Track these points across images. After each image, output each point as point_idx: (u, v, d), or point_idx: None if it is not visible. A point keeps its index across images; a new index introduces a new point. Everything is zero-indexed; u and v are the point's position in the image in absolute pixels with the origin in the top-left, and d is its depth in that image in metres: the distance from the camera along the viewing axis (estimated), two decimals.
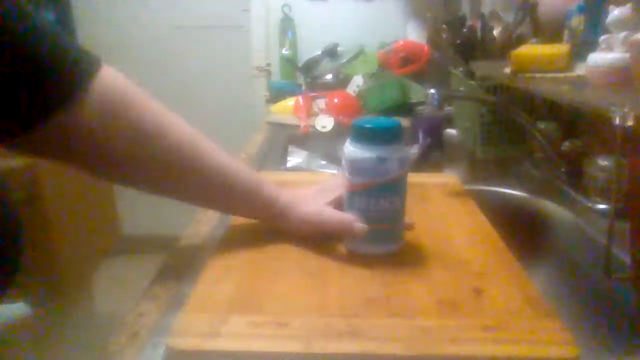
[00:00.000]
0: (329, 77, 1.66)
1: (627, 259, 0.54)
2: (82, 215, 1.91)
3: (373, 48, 1.74)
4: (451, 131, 1.18)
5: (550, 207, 0.77)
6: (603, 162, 0.69)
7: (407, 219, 0.56)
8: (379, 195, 0.52)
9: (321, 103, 1.42)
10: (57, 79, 0.43)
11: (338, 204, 0.57)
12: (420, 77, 1.50)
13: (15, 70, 0.40)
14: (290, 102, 1.44)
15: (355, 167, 0.52)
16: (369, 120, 0.53)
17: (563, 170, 0.80)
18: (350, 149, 0.52)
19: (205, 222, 0.70)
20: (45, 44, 0.42)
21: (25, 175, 1.56)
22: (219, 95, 2.45)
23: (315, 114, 1.35)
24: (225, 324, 0.42)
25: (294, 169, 0.96)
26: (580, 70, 0.73)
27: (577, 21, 0.80)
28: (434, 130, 1.01)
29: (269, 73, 2.10)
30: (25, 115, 0.42)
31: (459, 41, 1.18)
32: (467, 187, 0.78)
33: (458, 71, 1.14)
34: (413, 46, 1.57)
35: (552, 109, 0.92)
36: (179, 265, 0.58)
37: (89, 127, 0.45)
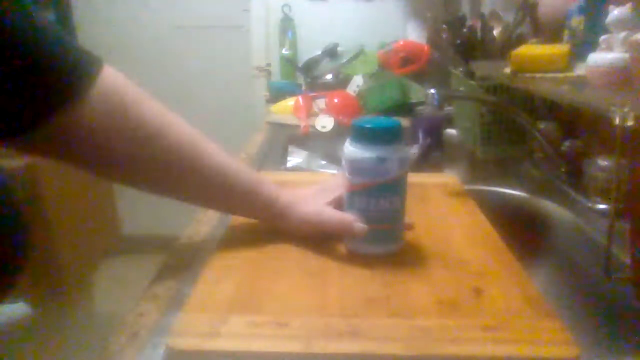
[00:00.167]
0: (329, 77, 1.66)
1: (627, 259, 0.54)
2: (82, 215, 1.91)
3: (373, 48, 1.74)
4: (451, 131, 1.18)
5: (550, 207, 0.77)
6: (603, 162, 0.69)
7: (407, 219, 0.56)
8: (379, 195, 0.52)
9: (321, 103, 1.42)
10: (60, 79, 0.43)
11: (338, 204, 0.57)
12: (420, 77, 1.50)
13: (18, 71, 0.40)
14: (290, 102, 1.44)
15: (355, 167, 0.52)
16: (369, 120, 0.53)
17: (563, 170, 0.80)
18: (350, 149, 0.52)
19: (205, 222, 0.70)
20: (48, 44, 0.42)
21: (25, 175, 1.56)
22: (219, 95, 2.45)
23: (315, 114, 1.35)
24: (225, 324, 0.42)
25: (294, 169, 0.96)
26: (580, 70, 0.73)
27: (577, 21, 0.80)
28: (434, 130, 1.01)
29: (269, 73, 2.10)
30: (28, 115, 0.42)
31: (459, 41, 1.18)
32: (467, 187, 0.78)
33: (458, 71, 1.14)
34: (413, 46, 1.57)
35: (552, 109, 0.92)
36: (179, 265, 0.58)
37: (90, 126, 0.45)
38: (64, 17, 2.24)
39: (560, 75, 0.75)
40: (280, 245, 0.57)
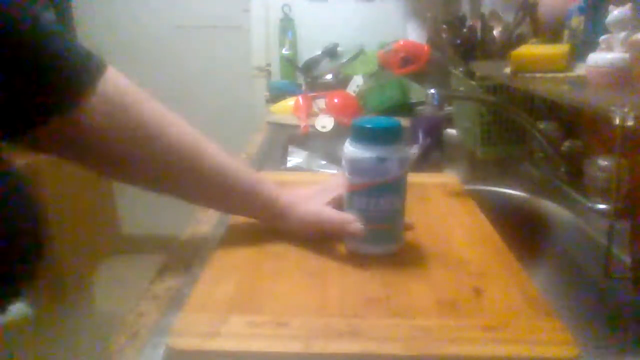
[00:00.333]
0: (329, 77, 1.66)
1: (627, 259, 0.54)
2: (82, 215, 1.91)
3: (373, 48, 1.74)
4: (451, 131, 1.18)
5: (550, 207, 0.77)
6: (603, 162, 0.69)
7: (407, 219, 0.56)
8: (379, 195, 0.52)
9: (321, 103, 1.42)
10: (66, 80, 0.44)
11: (338, 204, 0.57)
12: (420, 77, 1.49)
13: (25, 71, 0.41)
14: (290, 102, 1.44)
15: (355, 167, 0.52)
16: (369, 120, 0.53)
17: (563, 170, 0.80)
18: (350, 149, 0.52)
19: (205, 222, 0.70)
20: (55, 47, 0.43)
21: (25, 175, 1.55)
22: (219, 95, 2.45)
23: (315, 114, 1.35)
24: (225, 324, 0.42)
25: (294, 169, 0.96)
26: (580, 70, 0.73)
27: (577, 21, 0.80)
28: (434, 130, 1.01)
29: (269, 73, 2.10)
30: (35, 113, 0.43)
31: (459, 41, 1.18)
32: (467, 187, 0.78)
33: (458, 71, 1.14)
34: (413, 46, 1.57)
35: (552, 109, 0.92)
36: (179, 265, 0.58)
37: (91, 125, 0.46)
38: (64, 17, 2.24)
39: (560, 75, 0.75)
40: (280, 245, 0.57)
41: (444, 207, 0.69)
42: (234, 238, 0.59)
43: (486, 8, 1.37)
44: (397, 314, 0.44)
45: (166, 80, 2.34)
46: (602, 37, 0.64)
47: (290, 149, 1.03)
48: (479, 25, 1.15)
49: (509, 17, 1.10)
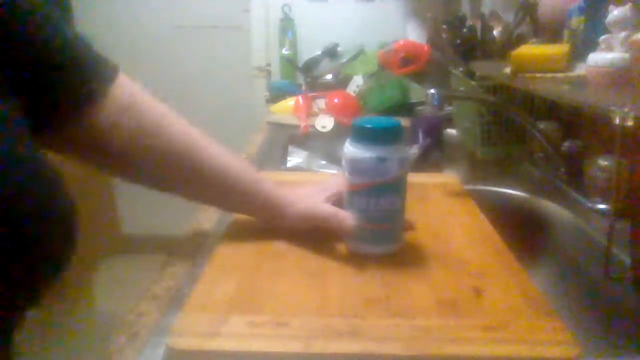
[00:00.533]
0: (329, 77, 1.66)
1: (627, 259, 0.54)
2: (82, 215, 1.90)
3: (373, 48, 1.74)
4: (451, 131, 1.18)
5: (550, 207, 0.77)
6: (603, 162, 0.69)
7: (407, 219, 0.56)
8: (379, 195, 0.52)
9: (321, 103, 1.42)
10: (83, 85, 0.45)
11: (337, 202, 0.57)
12: (420, 77, 1.49)
13: (49, 75, 0.42)
14: (290, 102, 1.44)
15: (355, 167, 0.52)
16: (369, 120, 0.53)
17: (563, 170, 0.80)
18: (350, 149, 0.52)
19: (205, 222, 0.70)
20: (75, 54, 0.44)
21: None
22: (219, 95, 2.45)
23: (315, 114, 1.35)
24: (225, 324, 0.42)
25: (294, 169, 0.96)
26: (580, 70, 0.73)
27: (577, 21, 0.80)
28: (434, 130, 1.01)
29: (269, 73, 2.10)
30: (53, 114, 0.44)
31: (459, 41, 1.18)
32: (467, 187, 0.78)
33: (458, 71, 1.14)
34: (413, 46, 1.56)
35: (552, 109, 0.92)
36: (179, 265, 0.58)
37: (100, 126, 0.47)
38: (64, 17, 2.23)
39: (560, 75, 0.75)
40: (280, 245, 0.57)
41: (444, 207, 0.69)
42: (234, 238, 0.59)
43: (486, 8, 1.37)
44: (397, 314, 0.44)
45: (166, 80, 2.34)
46: (602, 37, 0.64)
47: (290, 149, 1.03)
48: (479, 25, 1.15)
49: (509, 17, 1.10)
